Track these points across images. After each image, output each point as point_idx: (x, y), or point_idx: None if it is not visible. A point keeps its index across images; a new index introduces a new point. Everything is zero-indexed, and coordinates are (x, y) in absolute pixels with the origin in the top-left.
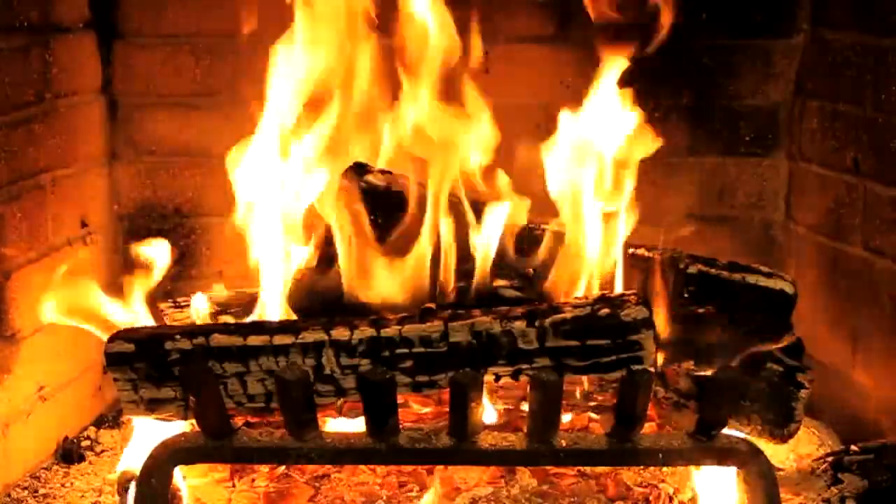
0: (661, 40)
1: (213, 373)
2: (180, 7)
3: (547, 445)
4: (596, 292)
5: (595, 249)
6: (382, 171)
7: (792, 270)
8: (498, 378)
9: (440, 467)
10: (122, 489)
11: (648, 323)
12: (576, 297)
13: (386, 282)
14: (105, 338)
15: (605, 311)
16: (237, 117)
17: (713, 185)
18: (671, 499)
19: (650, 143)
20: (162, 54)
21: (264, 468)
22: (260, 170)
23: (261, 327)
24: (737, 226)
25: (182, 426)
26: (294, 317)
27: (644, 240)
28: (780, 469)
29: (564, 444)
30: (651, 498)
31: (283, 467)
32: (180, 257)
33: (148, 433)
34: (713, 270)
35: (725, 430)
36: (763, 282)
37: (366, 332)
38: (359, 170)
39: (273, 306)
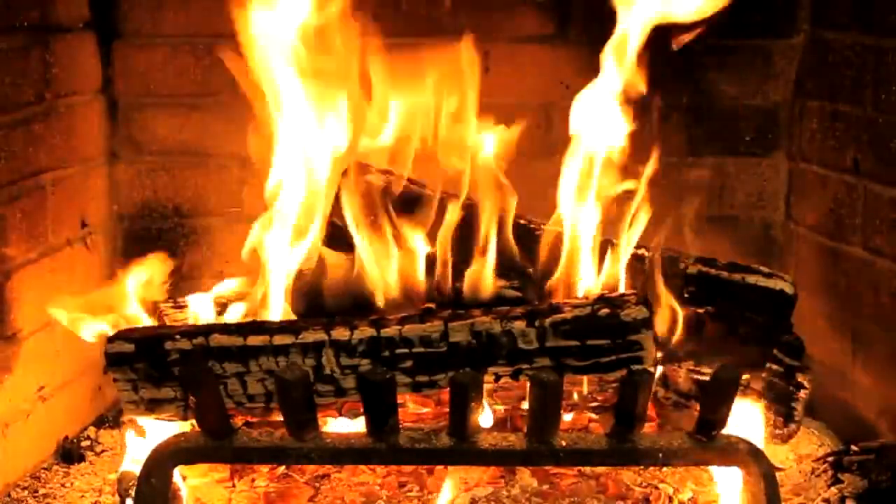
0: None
1: (213, 373)
2: (180, 7)
3: (547, 445)
4: (596, 292)
5: (597, 250)
6: (382, 171)
7: (792, 270)
8: (498, 378)
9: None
10: (122, 489)
11: (648, 323)
12: (576, 297)
13: (386, 281)
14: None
15: (605, 311)
16: (237, 117)
17: (713, 185)
18: (671, 499)
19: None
20: (162, 54)
21: (264, 468)
22: (263, 170)
23: (261, 327)
24: (737, 226)
25: (182, 426)
26: (294, 317)
27: (644, 240)
28: (780, 469)
29: (564, 444)
30: (651, 498)
31: (283, 467)
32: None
33: (149, 433)
34: (713, 270)
35: (725, 430)
36: (763, 282)
37: (366, 332)
38: (359, 169)
39: (274, 306)
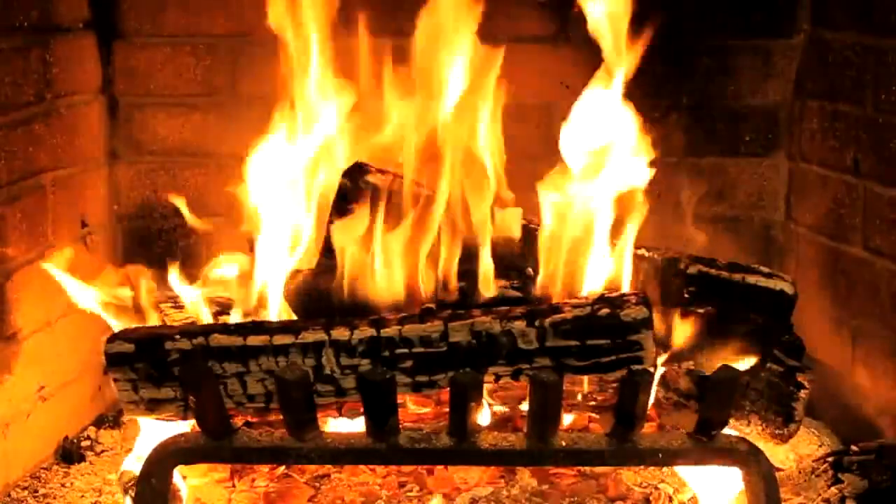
0: None
1: (213, 373)
2: (180, 7)
3: (547, 445)
4: (596, 292)
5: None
6: (382, 172)
7: (792, 270)
8: (498, 378)
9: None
10: (123, 489)
11: (648, 323)
12: (576, 297)
13: (386, 282)
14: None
15: (605, 311)
16: (237, 117)
17: (713, 185)
18: (671, 499)
19: (650, 148)
20: (162, 54)
21: (264, 468)
22: (263, 171)
23: (261, 327)
24: (737, 226)
25: (182, 426)
26: (294, 317)
27: (644, 240)
28: (780, 469)
29: (564, 444)
30: (651, 498)
31: (283, 467)
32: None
33: (150, 433)
34: (713, 271)
35: (725, 430)
36: (763, 282)
37: (366, 332)
38: (359, 170)
39: (274, 306)
